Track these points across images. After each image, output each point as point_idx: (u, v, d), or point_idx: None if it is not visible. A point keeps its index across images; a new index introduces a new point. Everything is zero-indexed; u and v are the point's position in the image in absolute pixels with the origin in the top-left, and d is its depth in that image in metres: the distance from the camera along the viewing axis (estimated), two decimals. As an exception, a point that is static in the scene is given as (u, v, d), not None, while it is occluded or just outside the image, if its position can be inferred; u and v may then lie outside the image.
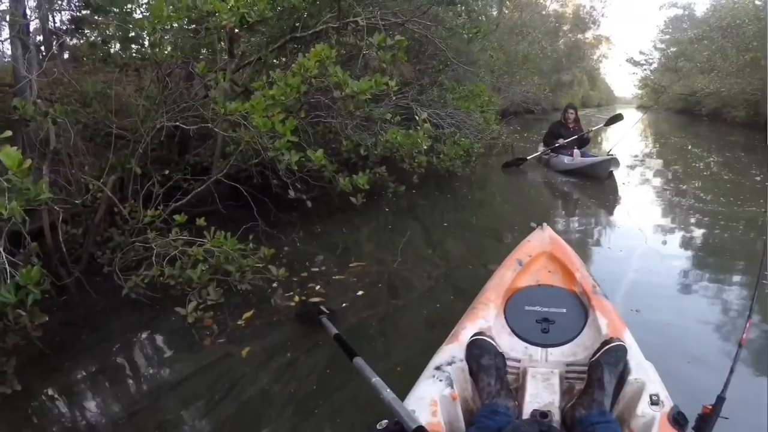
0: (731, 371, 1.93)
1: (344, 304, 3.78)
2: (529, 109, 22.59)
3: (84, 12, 8.04)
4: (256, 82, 4.69)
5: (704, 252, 5.31)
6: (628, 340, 2.26)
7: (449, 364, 2.12)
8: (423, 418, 1.81)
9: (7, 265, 2.93)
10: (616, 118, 10.45)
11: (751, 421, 2.31)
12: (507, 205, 7.80)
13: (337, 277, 4.32)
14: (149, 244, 3.98)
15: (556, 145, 9.50)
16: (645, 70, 40.39)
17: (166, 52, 5.66)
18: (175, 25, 6.04)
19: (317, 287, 4.07)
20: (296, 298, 3.86)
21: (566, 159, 9.18)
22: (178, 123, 5.06)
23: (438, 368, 2.10)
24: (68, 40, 8.89)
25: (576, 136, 9.48)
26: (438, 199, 7.43)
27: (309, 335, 3.34)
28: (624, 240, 5.49)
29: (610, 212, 7.02)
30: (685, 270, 4.72)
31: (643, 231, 5.77)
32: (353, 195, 5.32)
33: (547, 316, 2.48)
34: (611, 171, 8.54)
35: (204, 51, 7.32)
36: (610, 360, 2.06)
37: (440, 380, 2.02)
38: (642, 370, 2.05)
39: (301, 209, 5.12)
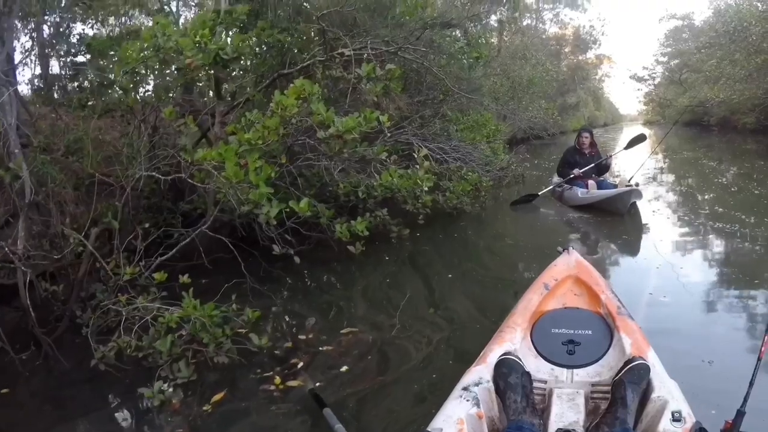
0: (750, 385, 1.96)
1: (323, 383, 3.28)
2: (537, 135, 22.06)
3: (83, 57, 7.82)
4: (230, 125, 4.21)
5: (733, 271, 4.96)
6: (652, 358, 2.29)
7: (476, 384, 2.17)
8: None
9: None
10: (638, 139, 9.26)
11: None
12: (516, 249, 6.75)
13: (324, 347, 3.80)
14: (120, 308, 3.61)
15: (572, 176, 8.32)
16: (649, 85, 40.14)
17: (137, 97, 5.22)
18: (155, 69, 5.63)
19: (300, 364, 3.54)
20: (275, 379, 3.32)
21: (580, 192, 8.03)
22: (154, 173, 4.69)
23: (465, 389, 2.15)
24: (69, 85, 8.64)
25: (593, 164, 8.31)
26: (443, 243, 6.68)
27: (276, 427, 2.92)
28: (657, 280, 4.81)
29: (634, 252, 6.14)
30: (714, 293, 4.51)
31: (675, 269, 5.08)
32: (351, 244, 4.95)
33: (573, 338, 2.53)
34: (634, 202, 7.35)
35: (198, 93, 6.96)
36: (633, 378, 2.11)
37: (467, 400, 2.09)
38: (665, 388, 2.08)
39: (293, 263, 4.67)
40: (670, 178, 12.21)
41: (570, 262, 3.19)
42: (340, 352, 3.71)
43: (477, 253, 6.52)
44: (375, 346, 3.79)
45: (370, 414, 3.00)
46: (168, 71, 5.61)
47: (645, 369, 2.16)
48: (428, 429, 1.93)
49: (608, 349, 2.48)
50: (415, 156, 5.04)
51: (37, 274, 4.17)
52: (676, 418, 1.90)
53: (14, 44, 5.83)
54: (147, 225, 4.84)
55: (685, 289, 4.55)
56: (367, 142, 5.24)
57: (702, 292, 4.49)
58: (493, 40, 16.60)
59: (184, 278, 3.82)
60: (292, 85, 4.01)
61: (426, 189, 5.25)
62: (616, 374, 2.19)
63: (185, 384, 3.22)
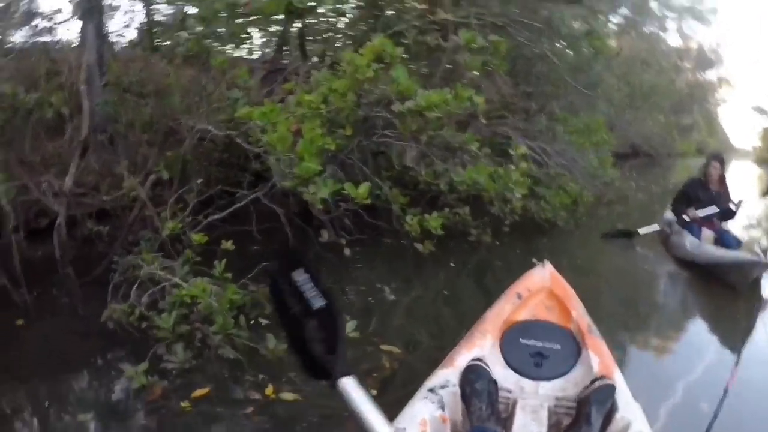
0: (715, 416, 2.03)
1: (314, 395, 2.83)
2: (647, 152, 20.28)
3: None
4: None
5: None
6: (618, 379, 2.30)
7: (442, 387, 2.17)
8: None
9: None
10: None
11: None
12: (600, 296, 5.09)
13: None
14: (144, 265, 3.44)
15: (686, 219, 6.33)
16: (769, 119, 36.96)
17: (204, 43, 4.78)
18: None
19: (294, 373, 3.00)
20: (268, 387, 2.91)
21: (689, 242, 6.10)
22: (209, 127, 4.44)
23: (431, 390, 2.15)
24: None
25: (718, 210, 6.27)
26: (519, 262, 5.35)
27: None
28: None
29: (758, 349, 3.98)
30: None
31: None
32: (420, 241, 4.50)
33: (541, 351, 2.52)
34: (757, 278, 5.32)
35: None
36: (598, 397, 2.11)
37: (432, 402, 2.08)
38: (629, 410, 2.09)
39: (350, 247, 4.43)
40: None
41: (544, 274, 3.15)
42: (362, 369, 3.24)
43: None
44: (401, 368, 3.35)
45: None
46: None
47: (611, 389, 2.16)
48: None
49: (575, 365, 2.48)
50: (512, 153, 4.19)
51: (88, 212, 4.36)
52: None
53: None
54: (200, 181, 4.73)
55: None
56: (458, 126, 4.47)
57: None
58: (612, 42, 15.18)
59: (228, 244, 3.59)
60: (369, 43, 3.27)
61: (519, 196, 4.41)
62: (582, 391, 2.21)
63: (177, 369, 2.97)
